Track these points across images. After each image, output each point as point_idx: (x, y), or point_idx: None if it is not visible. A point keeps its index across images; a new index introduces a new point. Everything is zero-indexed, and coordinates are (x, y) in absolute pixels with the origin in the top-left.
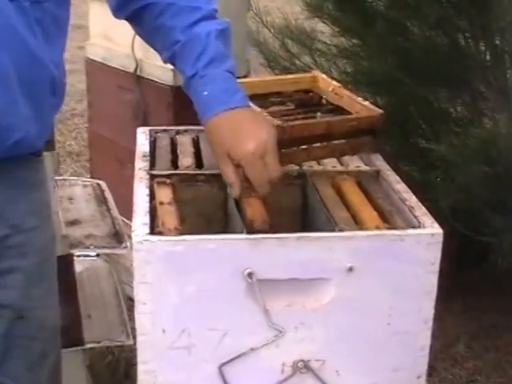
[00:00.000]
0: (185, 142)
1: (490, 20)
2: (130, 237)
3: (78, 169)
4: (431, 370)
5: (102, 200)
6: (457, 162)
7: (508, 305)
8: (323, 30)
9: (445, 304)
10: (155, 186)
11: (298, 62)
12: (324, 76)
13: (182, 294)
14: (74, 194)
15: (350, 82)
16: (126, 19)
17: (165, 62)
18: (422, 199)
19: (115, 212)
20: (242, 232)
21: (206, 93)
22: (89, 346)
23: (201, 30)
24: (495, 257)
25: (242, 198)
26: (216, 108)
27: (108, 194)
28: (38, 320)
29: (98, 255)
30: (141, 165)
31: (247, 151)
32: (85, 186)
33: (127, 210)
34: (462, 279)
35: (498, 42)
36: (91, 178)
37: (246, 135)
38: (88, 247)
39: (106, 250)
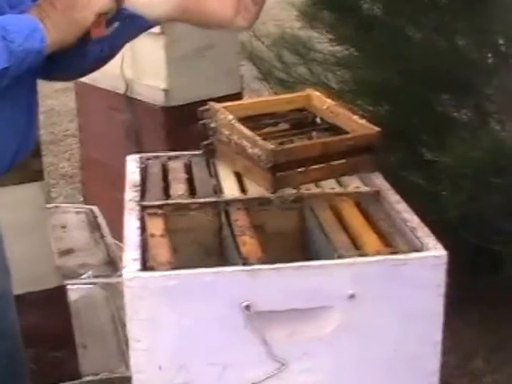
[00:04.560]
0: (176, 168)
1: (491, 22)
2: None
3: (72, 191)
4: None
5: (95, 227)
6: (463, 172)
7: None
8: (319, 39)
9: (460, 317)
10: (146, 217)
11: (293, 73)
12: (319, 94)
13: (178, 329)
14: (66, 221)
15: (349, 92)
16: None
17: None
18: (430, 210)
19: (109, 239)
20: (237, 263)
21: None
22: (86, 378)
23: None
24: (508, 265)
25: (235, 236)
26: None
27: (101, 220)
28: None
29: (93, 283)
30: (131, 195)
31: None
32: (77, 212)
33: (122, 233)
34: (477, 290)
35: (501, 42)
36: (84, 201)
37: None
38: (82, 277)
39: (101, 280)
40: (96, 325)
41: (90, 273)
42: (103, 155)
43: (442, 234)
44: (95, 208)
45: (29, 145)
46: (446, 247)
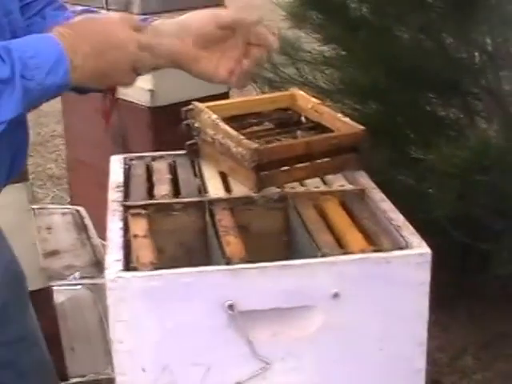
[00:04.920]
0: (161, 169)
1: (478, 21)
2: None
3: (60, 192)
4: None
5: (81, 228)
6: (449, 171)
7: None
8: (307, 39)
9: (450, 315)
10: (129, 217)
11: (281, 73)
12: (303, 93)
13: (161, 330)
14: (52, 222)
15: (337, 92)
16: None
17: None
18: (419, 209)
19: (96, 240)
20: (221, 263)
21: None
22: (73, 380)
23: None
24: (496, 264)
25: (219, 236)
26: None
27: (88, 221)
28: None
29: (80, 284)
30: (114, 196)
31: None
32: (64, 213)
33: None
34: (467, 288)
35: (489, 41)
36: (71, 202)
37: None
38: (69, 279)
39: (87, 281)
40: (83, 327)
41: (76, 274)
42: (90, 156)
43: (431, 233)
44: (82, 209)
45: (24, 159)
46: (435, 246)
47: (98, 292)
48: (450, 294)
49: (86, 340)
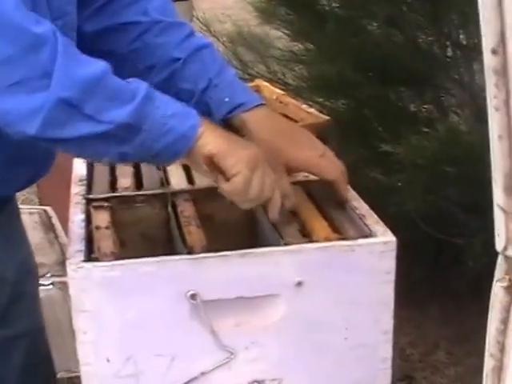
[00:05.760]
0: None
1: (449, 14)
2: None
3: (30, 195)
4: (410, 380)
5: (49, 227)
6: (418, 163)
7: (487, 307)
8: (276, 35)
9: (423, 310)
10: (92, 210)
11: (251, 70)
12: (267, 84)
13: (124, 321)
14: None
15: (306, 89)
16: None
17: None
18: (390, 203)
19: (63, 239)
20: (183, 253)
21: (227, 99)
22: None
23: (195, 45)
24: (467, 257)
25: (181, 226)
26: (255, 99)
27: (56, 221)
28: None
29: (52, 283)
30: (77, 190)
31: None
32: (31, 213)
33: None
34: (440, 283)
35: (461, 36)
36: (40, 203)
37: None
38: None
39: (55, 279)
40: (55, 326)
41: (48, 275)
42: (58, 157)
43: (404, 229)
44: (49, 208)
45: (46, 168)
46: (408, 242)
47: (67, 290)
48: (422, 289)
49: (59, 339)
